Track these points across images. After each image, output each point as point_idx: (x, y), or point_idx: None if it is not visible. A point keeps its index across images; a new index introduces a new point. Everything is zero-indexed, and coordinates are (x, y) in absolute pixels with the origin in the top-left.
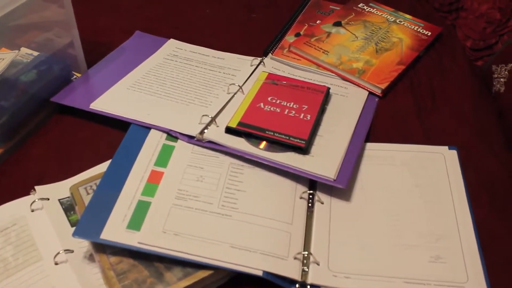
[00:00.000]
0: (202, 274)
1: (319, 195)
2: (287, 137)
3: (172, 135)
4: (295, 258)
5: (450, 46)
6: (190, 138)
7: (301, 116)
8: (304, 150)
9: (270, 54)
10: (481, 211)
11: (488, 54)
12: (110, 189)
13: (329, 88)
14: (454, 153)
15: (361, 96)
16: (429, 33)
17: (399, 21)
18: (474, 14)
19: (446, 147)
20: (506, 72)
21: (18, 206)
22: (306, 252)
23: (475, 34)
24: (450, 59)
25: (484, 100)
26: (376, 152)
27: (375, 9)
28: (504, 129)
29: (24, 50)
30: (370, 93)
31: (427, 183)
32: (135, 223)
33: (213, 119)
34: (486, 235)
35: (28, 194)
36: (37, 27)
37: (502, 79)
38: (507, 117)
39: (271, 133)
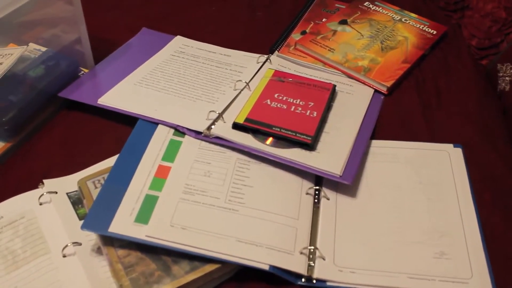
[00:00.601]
0: (209, 267)
1: (325, 191)
2: (294, 134)
3: (179, 131)
4: (301, 252)
5: (455, 45)
6: (197, 134)
7: (308, 113)
8: (310, 146)
9: (276, 52)
10: (485, 208)
11: (494, 53)
12: (118, 183)
13: (335, 86)
14: (459, 151)
15: (367, 93)
16: (435, 32)
17: (405, 19)
18: (479, 13)
19: (451, 145)
20: None
21: (26, 199)
22: (312, 247)
23: (480, 33)
24: (455, 58)
25: (489, 98)
26: (381, 149)
27: (380, 8)
28: (508, 127)
29: (32, 45)
30: (376, 91)
31: (432, 180)
32: (143, 216)
33: (220, 115)
34: (490, 232)
35: (35, 188)
36: (45, 23)
37: (507, 78)
38: None
39: (277, 129)
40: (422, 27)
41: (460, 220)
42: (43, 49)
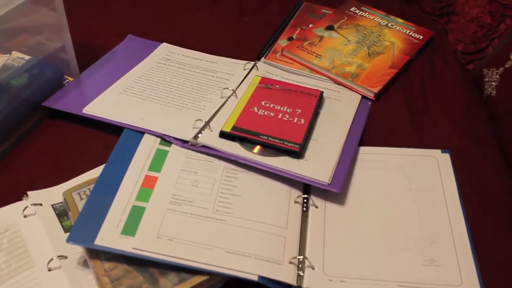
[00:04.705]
0: (197, 279)
1: (314, 199)
2: (281, 141)
3: (165, 140)
4: (290, 262)
5: (442, 50)
6: (184, 143)
7: (295, 120)
8: (298, 154)
9: (263, 58)
10: (473, 214)
11: (480, 58)
12: (104, 194)
13: (322, 92)
14: (446, 156)
15: (354, 99)
16: (421, 37)
17: (391, 25)
18: (465, 18)
19: (439, 151)
20: (498, 76)
21: (10, 211)
22: (301, 257)
23: (466, 38)
24: (442, 63)
25: (476, 103)
26: (370, 156)
27: (367, 13)
28: (495, 132)
29: (15, 54)
30: (363, 96)
31: (421, 187)
32: (130, 228)
33: (207, 124)
34: (478, 238)
35: (19, 199)
36: (28, 30)
37: (493, 83)
38: (498, 121)
39: (265, 137)
40: (409, 32)
41: (449, 226)
42: (27, 57)
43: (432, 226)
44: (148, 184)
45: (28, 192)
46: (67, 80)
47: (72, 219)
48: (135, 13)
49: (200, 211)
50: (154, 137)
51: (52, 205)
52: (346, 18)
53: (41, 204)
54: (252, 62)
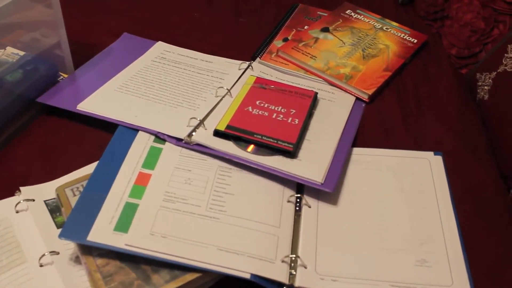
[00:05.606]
0: (189, 276)
1: (307, 198)
2: (275, 141)
3: (160, 138)
4: (283, 261)
5: (436, 54)
6: (178, 141)
7: (289, 120)
8: (292, 154)
9: (258, 58)
10: (465, 215)
11: (473, 62)
12: (97, 191)
13: (316, 93)
14: (439, 159)
15: (348, 101)
16: (415, 41)
17: (386, 28)
18: (459, 23)
19: (432, 153)
20: (490, 80)
21: (2, 207)
22: (294, 255)
23: (460, 43)
24: (436, 66)
25: (469, 107)
26: (363, 157)
27: (362, 16)
28: (488, 135)
29: (10, 49)
30: (357, 98)
31: (413, 188)
32: (123, 225)
33: (201, 122)
34: (470, 240)
35: (12, 195)
36: (23, 26)
37: (486, 87)
38: (490, 125)
39: (259, 136)
40: (403, 36)
41: (440, 227)
42: (21, 53)
43: (423, 227)
44: (141, 181)
45: (21, 188)
46: (61, 77)
47: (64, 215)
48: (131, 12)
49: (193, 209)
50: (148, 135)
51: (44, 201)
52: (341, 20)
53: (33, 200)
54: (247, 62)
